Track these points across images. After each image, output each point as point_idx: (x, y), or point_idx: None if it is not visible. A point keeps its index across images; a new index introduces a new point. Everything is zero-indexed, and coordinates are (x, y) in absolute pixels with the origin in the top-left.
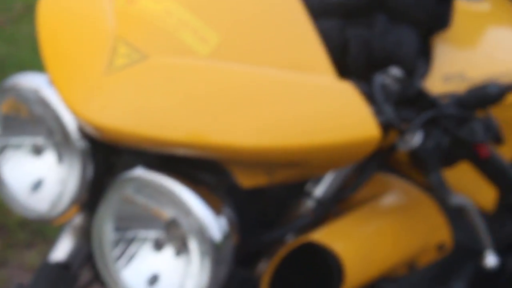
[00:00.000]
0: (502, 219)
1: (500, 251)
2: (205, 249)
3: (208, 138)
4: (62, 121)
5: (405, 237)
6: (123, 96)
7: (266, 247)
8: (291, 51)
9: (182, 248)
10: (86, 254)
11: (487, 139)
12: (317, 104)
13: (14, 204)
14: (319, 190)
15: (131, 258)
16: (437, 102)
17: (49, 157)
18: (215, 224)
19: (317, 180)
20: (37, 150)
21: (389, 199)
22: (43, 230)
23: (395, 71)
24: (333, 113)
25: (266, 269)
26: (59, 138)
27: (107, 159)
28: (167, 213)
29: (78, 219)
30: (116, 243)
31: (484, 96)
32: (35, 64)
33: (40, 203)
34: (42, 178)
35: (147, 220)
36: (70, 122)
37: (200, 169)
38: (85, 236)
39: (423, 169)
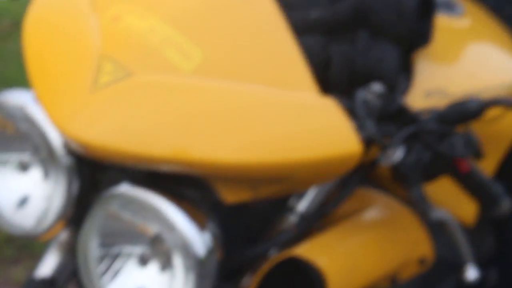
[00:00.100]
0: (482, 232)
1: (481, 265)
2: (189, 264)
3: (192, 154)
4: (47, 138)
5: (387, 251)
6: (108, 113)
7: (250, 262)
8: (274, 67)
9: (166, 264)
10: (71, 270)
11: (468, 154)
12: (300, 120)
13: (0, 220)
14: (302, 205)
15: (116, 273)
16: (418, 118)
17: (35, 174)
18: (199, 240)
19: (300, 195)
20: (23, 167)
21: (371, 214)
22: (29, 245)
23: (377, 87)
24: (316, 129)
25: (250, 284)
26: (44, 155)
27: (92, 175)
28: (152, 228)
29: (63, 235)
30: (101, 258)
31: (464, 112)
32: (22, 81)
33: (26, 219)
34: (28, 194)
35: (132, 235)
36: (55, 138)
37: (185, 185)
38: (71, 252)
39: (405, 184)
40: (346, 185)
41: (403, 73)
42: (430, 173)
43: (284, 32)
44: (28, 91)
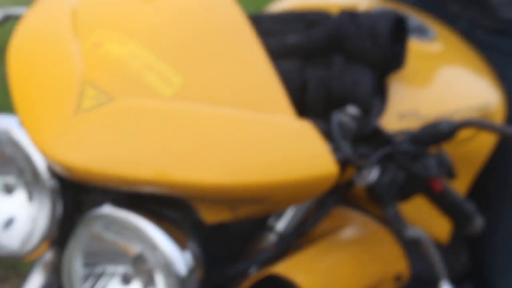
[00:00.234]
0: (457, 250)
1: (456, 281)
2: (171, 283)
3: (173, 176)
4: (32, 161)
5: (364, 268)
6: (90, 136)
7: (230, 280)
8: (252, 91)
9: (149, 282)
10: None
11: (441, 174)
12: (278, 143)
13: None
14: (281, 224)
15: None
16: (392, 139)
17: (20, 196)
18: (180, 259)
19: (279, 214)
20: (8, 189)
21: (348, 232)
22: (16, 265)
23: (352, 110)
24: (293, 151)
25: None
26: (29, 177)
27: (76, 197)
28: (134, 248)
29: (48, 255)
30: (85, 278)
31: (437, 133)
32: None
33: (11, 240)
34: (13, 216)
35: (115, 255)
36: (40, 162)
37: (166, 206)
38: (56, 272)
39: (380, 203)
40: (323, 205)
41: (378, 96)
42: (405, 193)
43: (261, 57)
44: (13, 116)
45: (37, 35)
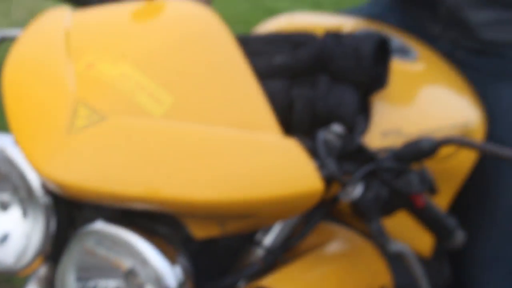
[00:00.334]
0: (439, 263)
1: None
2: None
3: (163, 193)
4: (26, 179)
5: (349, 281)
6: (83, 155)
7: None
8: (240, 110)
9: None
10: None
11: (423, 190)
12: (265, 160)
13: None
14: (268, 239)
15: None
16: (376, 156)
17: (15, 212)
18: (170, 273)
19: (266, 229)
20: (3, 206)
21: (333, 247)
22: (11, 279)
23: (337, 128)
24: (280, 168)
25: None
26: (24, 195)
27: (69, 213)
28: (126, 263)
29: (42, 270)
30: None
31: (418, 150)
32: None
33: (6, 255)
34: (8, 232)
35: (107, 270)
36: (34, 179)
37: (156, 221)
38: (49, 286)
39: (364, 218)
40: (309, 220)
41: (361, 114)
42: (388, 208)
43: (248, 77)
44: (8, 135)
45: (32, 56)
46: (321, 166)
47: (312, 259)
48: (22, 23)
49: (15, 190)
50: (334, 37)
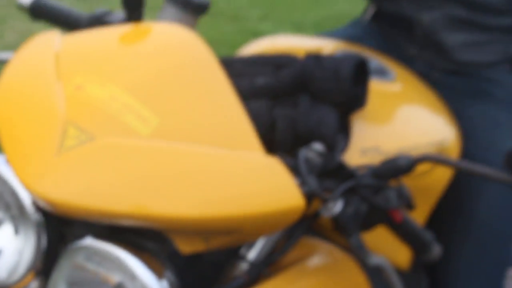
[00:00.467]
0: (417, 276)
1: None
2: None
3: (150, 210)
4: (18, 197)
5: None
6: (73, 173)
7: None
8: (223, 130)
9: None
10: None
11: (400, 205)
12: (248, 178)
13: None
14: (252, 253)
15: None
16: (355, 173)
17: (7, 229)
18: (158, 287)
19: (250, 244)
20: None
21: (315, 261)
22: None
23: (318, 146)
24: (262, 185)
25: None
26: (15, 212)
27: (59, 230)
28: (115, 278)
29: (34, 285)
30: None
31: (396, 168)
32: None
33: None
34: (1, 249)
35: (96, 284)
36: (25, 197)
37: (144, 237)
38: None
39: (344, 233)
40: (291, 235)
41: (341, 133)
42: (367, 223)
43: (232, 98)
44: (0, 154)
45: (23, 78)
46: (303, 183)
47: (295, 273)
48: (14, 46)
49: (7, 208)
50: (315, 59)
